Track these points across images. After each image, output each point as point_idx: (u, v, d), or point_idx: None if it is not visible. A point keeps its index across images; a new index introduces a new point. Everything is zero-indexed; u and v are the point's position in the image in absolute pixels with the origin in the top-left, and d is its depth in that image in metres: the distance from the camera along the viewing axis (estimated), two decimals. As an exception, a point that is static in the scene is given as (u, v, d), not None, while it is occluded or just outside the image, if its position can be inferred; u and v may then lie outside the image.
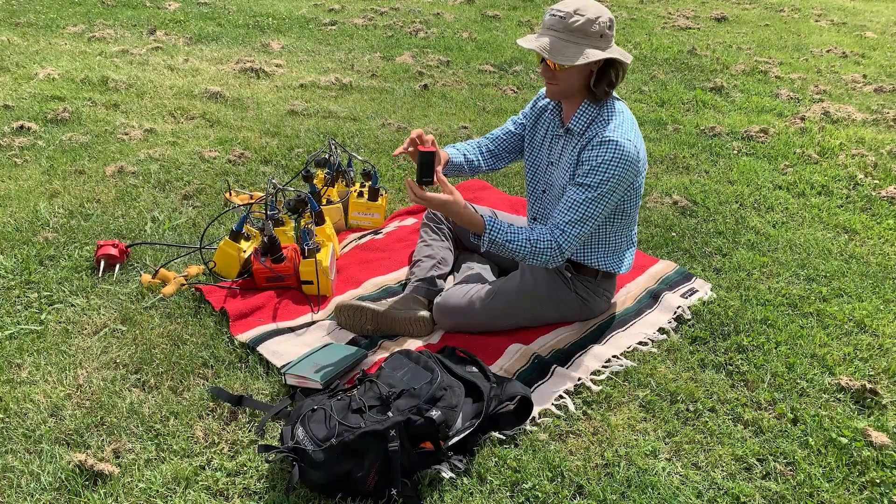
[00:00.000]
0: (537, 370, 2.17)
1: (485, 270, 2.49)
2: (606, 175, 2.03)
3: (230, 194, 3.12)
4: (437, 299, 2.35)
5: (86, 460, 1.77)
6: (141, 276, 2.56)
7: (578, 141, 2.14)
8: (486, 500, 1.74)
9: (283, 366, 2.14)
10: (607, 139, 2.03)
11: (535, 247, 2.09)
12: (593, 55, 1.96)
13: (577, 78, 2.06)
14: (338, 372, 2.06)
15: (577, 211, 2.07)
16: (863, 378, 2.19)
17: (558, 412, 2.02)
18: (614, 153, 2.02)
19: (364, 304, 2.30)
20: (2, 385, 2.06)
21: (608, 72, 2.05)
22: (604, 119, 2.09)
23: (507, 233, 2.11)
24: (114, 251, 2.59)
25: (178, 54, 5.28)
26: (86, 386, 2.06)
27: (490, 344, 2.27)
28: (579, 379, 2.13)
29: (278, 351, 2.21)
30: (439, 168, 2.09)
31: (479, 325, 2.32)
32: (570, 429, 1.96)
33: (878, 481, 1.82)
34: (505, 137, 2.44)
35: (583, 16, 1.96)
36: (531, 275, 2.32)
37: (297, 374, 2.05)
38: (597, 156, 2.04)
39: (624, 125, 2.06)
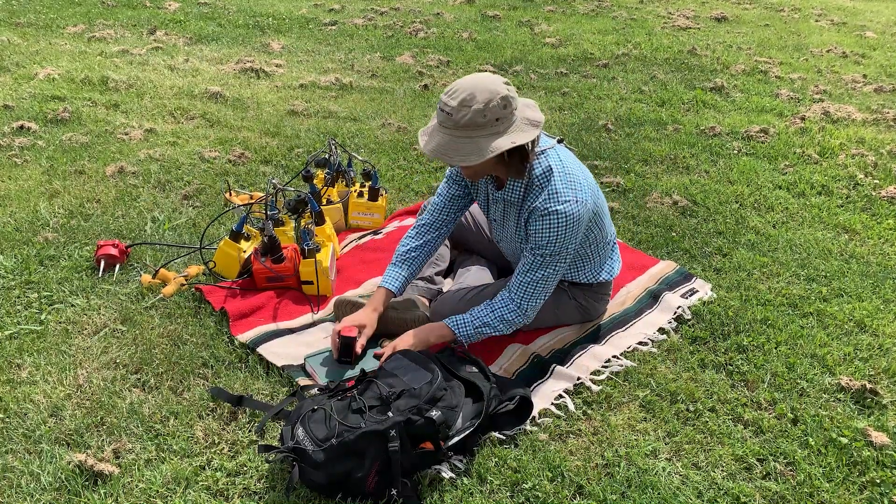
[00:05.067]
0: (537, 370, 2.17)
1: (483, 272, 2.49)
2: (559, 241, 2.02)
3: (230, 194, 3.12)
4: (434, 304, 2.34)
5: (86, 460, 1.76)
6: (141, 276, 2.56)
7: (519, 210, 2.12)
8: (486, 501, 1.74)
9: (307, 356, 2.19)
10: (548, 211, 1.99)
11: (503, 318, 2.10)
12: (493, 148, 1.86)
13: (496, 165, 2.00)
14: (348, 378, 2.07)
15: (535, 272, 2.07)
16: (863, 378, 2.19)
17: (558, 412, 2.02)
18: (559, 221, 1.99)
19: (363, 301, 2.30)
20: (2, 385, 2.06)
21: (516, 152, 1.95)
22: (538, 187, 2.03)
23: (474, 324, 2.11)
24: (114, 251, 2.59)
25: (178, 54, 5.28)
26: (86, 386, 2.06)
27: (489, 344, 2.27)
28: (578, 378, 2.13)
29: (278, 352, 2.21)
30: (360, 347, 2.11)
31: None
32: (570, 429, 1.96)
33: (878, 481, 1.82)
34: (446, 205, 2.31)
35: (469, 107, 1.84)
36: None
37: (312, 367, 2.11)
38: (543, 228, 2.01)
39: (558, 186, 2.00)
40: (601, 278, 2.29)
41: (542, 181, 2.04)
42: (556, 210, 1.99)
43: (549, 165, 2.04)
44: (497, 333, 2.14)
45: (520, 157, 1.97)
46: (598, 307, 2.38)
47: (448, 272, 2.62)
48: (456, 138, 1.89)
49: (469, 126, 1.87)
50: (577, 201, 2.00)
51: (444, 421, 1.75)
